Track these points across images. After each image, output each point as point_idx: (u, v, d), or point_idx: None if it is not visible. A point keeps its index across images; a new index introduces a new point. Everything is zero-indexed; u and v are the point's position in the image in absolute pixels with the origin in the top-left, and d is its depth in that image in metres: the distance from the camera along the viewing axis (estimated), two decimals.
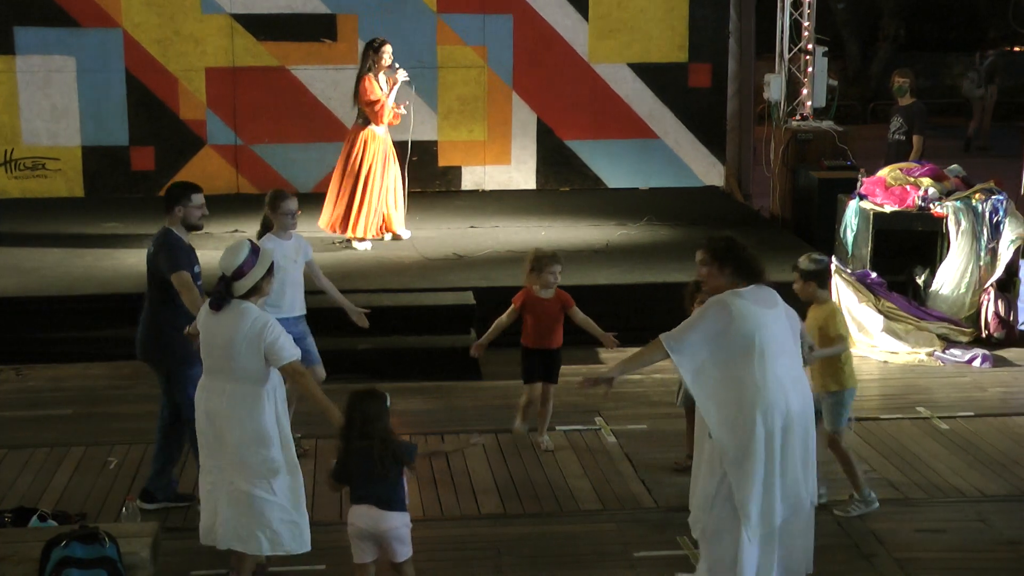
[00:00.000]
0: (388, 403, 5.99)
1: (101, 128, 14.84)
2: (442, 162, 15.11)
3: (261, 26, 14.88)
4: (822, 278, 7.43)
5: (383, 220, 12.17)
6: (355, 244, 12.03)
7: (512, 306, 8.26)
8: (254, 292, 6.25)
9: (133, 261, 11.71)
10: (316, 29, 14.98)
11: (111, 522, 6.78)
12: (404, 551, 6.04)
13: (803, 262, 7.37)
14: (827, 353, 7.14)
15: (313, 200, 14.09)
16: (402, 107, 11.97)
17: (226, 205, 14.26)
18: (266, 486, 6.18)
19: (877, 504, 7.32)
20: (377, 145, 11.95)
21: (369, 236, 12.02)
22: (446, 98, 15.12)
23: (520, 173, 15.49)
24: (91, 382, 9.83)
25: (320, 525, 7.12)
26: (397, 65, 11.98)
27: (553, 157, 15.48)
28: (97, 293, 10.62)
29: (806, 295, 7.39)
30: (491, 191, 15.29)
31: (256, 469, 6.17)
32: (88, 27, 14.64)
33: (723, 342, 5.82)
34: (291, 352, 6.17)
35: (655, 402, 9.00)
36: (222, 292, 6.19)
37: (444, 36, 15.04)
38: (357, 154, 11.92)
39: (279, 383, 6.28)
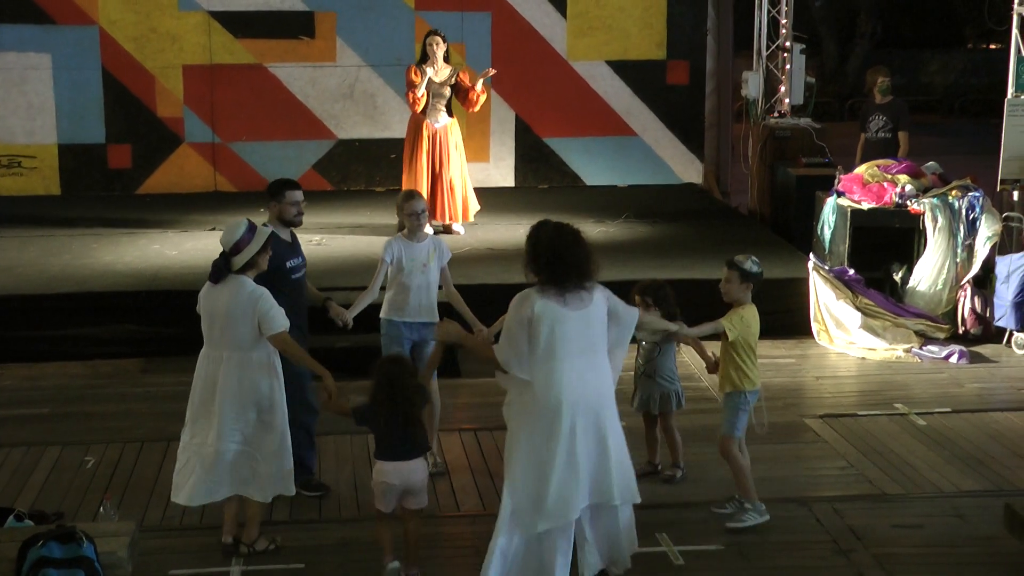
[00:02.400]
0: (410, 365, 6.61)
1: (78, 126, 14.78)
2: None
3: (239, 23, 14.84)
4: (758, 281, 7.15)
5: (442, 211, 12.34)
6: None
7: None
8: (250, 267, 6.63)
9: (109, 259, 11.68)
10: (294, 26, 14.95)
11: (88, 522, 6.75)
12: (422, 499, 6.48)
13: (746, 262, 7.06)
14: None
15: None
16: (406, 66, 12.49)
17: (204, 203, 14.27)
18: (245, 443, 6.63)
19: (768, 516, 6.99)
20: (424, 135, 12.16)
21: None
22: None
23: (498, 170, 15.49)
24: (68, 381, 9.79)
25: (298, 523, 7.13)
26: (436, 62, 12.10)
27: (531, 154, 15.49)
28: (74, 291, 10.56)
29: (734, 296, 7.08)
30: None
31: (242, 430, 6.61)
32: (64, 24, 14.58)
33: (523, 336, 5.97)
34: (280, 323, 6.55)
35: None
36: (221, 266, 6.61)
37: (422, 33, 14.93)
38: (407, 144, 12.37)
39: (274, 351, 6.66)
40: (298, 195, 7.51)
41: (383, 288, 7.85)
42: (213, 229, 12.96)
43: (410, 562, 6.47)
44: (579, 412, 5.98)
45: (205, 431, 6.65)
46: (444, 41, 12.13)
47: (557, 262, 5.99)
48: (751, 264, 7.11)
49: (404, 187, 12.07)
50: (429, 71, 11.99)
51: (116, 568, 5.80)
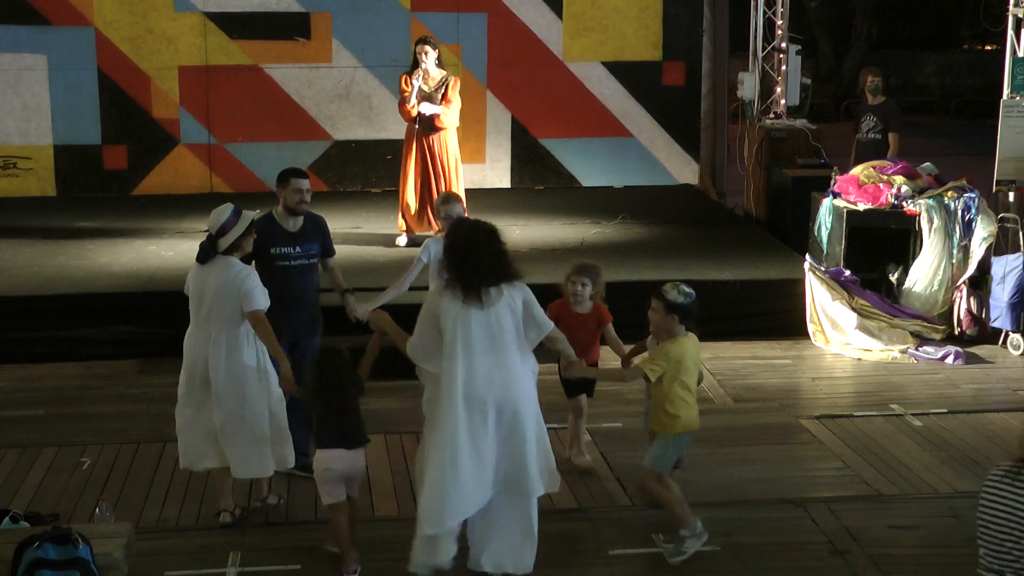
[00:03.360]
0: (347, 355, 6.61)
1: (73, 127, 14.76)
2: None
3: (234, 24, 14.83)
4: (685, 313, 6.62)
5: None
6: (396, 240, 12.21)
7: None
8: (235, 248, 7.03)
9: (105, 261, 11.67)
10: (290, 27, 14.94)
11: (84, 523, 6.75)
12: (356, 488, 6.73)
13: (671, 292, 6.60)
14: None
15: None
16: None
17: (200, 204, 14.20)
18: (238, 415, 6.94)
19: (706, 535, 6.76)
20: (415, 144, 11.93)
21: (402, 231, 12.18)
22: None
23: (494, 171, 15.49)
24: (64, 382, 9.78)
25: (294, 524, 7.13)
26: (425, 68, 11.74)
27: (527, 155, 15.49)
28: (70, 293, 10.55)
29: (661, 327, 6.66)
30: (465, 189, 15.23)
31: (232, 403, 6.95)
32: (60, 25, 14.56)
33: (430, 331, 6.17)
34: (259, 302, 6.94)
35: (630, 400, 9.00)
36: (207, 247, 7.03)
37: (418, 34, 14.96)
38: (404, 153, 12.11)
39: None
40: (302, 183, 7.72)
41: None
42: (207, 231, 12.94)
43: (346, 553, 6.63)
44: (484, 409, 6.11)
45: (198, 404, 7.06)
46: (435, 48, 11.86)
47: (466, 262, 6.11)
48: (677, 294, 6.59)
49: (400, 194, 12.09)
50: (417, 80, 11.72)
51: (112, 569, 5.81)
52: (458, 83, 11.96)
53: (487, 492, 6.22)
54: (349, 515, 6.63)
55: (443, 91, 11.80)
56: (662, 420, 6.67)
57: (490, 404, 6.13)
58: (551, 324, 6.40)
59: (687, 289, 6.62)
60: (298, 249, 7.72)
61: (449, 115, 11.83)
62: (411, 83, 11.72)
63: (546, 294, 8.34)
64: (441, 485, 6.12)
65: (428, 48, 11.78)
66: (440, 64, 11.91)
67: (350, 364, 6.60)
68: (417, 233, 12.02)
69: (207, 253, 7.04)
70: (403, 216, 12.15)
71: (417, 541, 6.29)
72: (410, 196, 11.97)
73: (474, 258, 6.12)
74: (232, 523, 7.07)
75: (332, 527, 6.66)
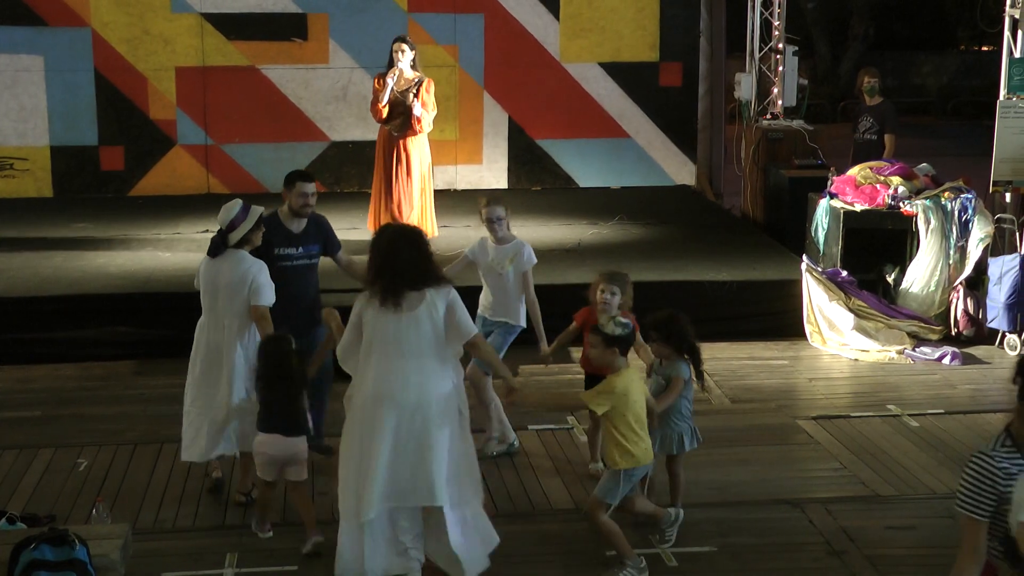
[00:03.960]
0: (288, 343, 6.87)
1: (70, 128, 14.76)
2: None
3: (231, 25, 14.83)
4: (625, 344, 6.51)
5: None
6: None
7: (573, 323, 7.74)
8: (245, 242, 7.30)
9: (102, 261, 11.66)
10: (287, 28, 14.94)
11: (81, 524, 6.74)
12: (301, 472, 6.91)
13: (608, 325, 6.49)
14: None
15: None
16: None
17: (196, 205, 14.23)
18: (249, 399, 7.16)
19: (647, 572, 6.55)
20: (385, 148, 11.80)
21: None
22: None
23: (492, 172, 15.49)
24: (60, 383, 9.77)
25: (293, 526, 7.12)
26: (399, 68, 11.60)
27: (525, 156, 15.49)
28: (66, 294, 10.55)
29: (603, 361, 6.52)
30: (463, 190, 15.28)
31: (248, 388, 7.17)
32: (56, 26, 14.56)
33: (352, 333, 6.31)
34: (265, 298, 7.19)
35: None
36: (218, 242, 7.30)
37: (415, 35, 14.95)
38: (375, 156, 11.97)
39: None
40: (307, 187, 7.87)
41: None
42: (206, 231, 12.93)
43: (308, 527, 6.85)
44: (395, 413, 6.12)
45: (211, 394, 7.26)
46: (412, 48, 11.67)
47: (386, 266, 6.18)
48: (614, 327, 6.47)
49: (372, 198, 11.95)
50: (390, 80, 11.56)
51: (109, 571, 5.79)
52: (432, 86, 11.77)
53: (401, 496, 6.19)
54: (292, 500, 7.03)
55: (415, 92, 11.60)
56: (614, 455, 6.49)
57: (401, 408, 6.13)
58: (474, 331, 6.31)
59: (623, 320, 6.55)
60: (300, 250, 7.85)
61: (426, 118, 11.69)
62: (384, 83, 11.58)
63: (547, 294, 8.40)
64: (351, 484, 6.22)
65: (405, 47, 11.62)
66: (415, 66, 11.71)
67: (294, 354, 6.85)
68: None
69: (218, 247, 7.31)
70: (375, 220, 11.97)
71: (340, 546, 6.29)
72: (378, 202, 11.85)
73: (393, 262, 6.18)
74: (245, 502, 7.37)
75: (259, 498, 7.13)
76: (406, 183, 11.82)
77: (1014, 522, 4.08)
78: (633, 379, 6.47)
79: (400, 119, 11.71)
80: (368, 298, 6.23)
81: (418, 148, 11.85)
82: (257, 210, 7.39)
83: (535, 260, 8.06)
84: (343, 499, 6.27)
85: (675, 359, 6.99)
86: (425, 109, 11.66)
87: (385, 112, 11.63)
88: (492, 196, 8.22)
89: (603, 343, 6.44)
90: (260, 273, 7.23)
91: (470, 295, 7.95)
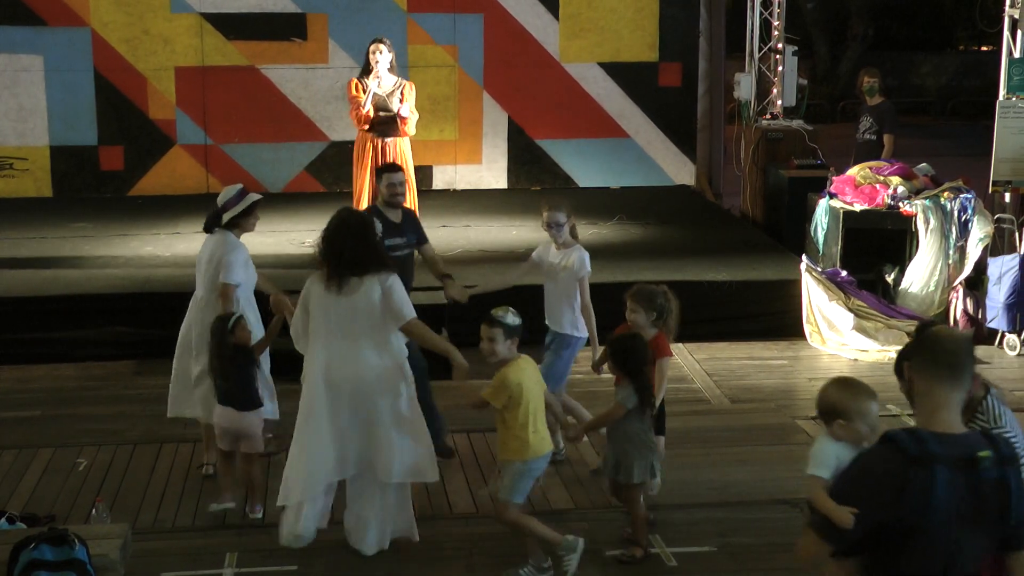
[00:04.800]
0: (231, 322, 7.19)
1: (69, 128, 14.75)
2: (413, 161, 15.03)
3: (231, 25, 14.82)
4: (521, 334, 6.47)
5: None
6: None
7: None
8: (234, 225, 7.61)
9: (102, 261, 11.66)
10: (286, 28, 14.94)
11: (80, 524, 6.74)
12: (255, 446, 7.24)
13: (507, 316, 6.41)
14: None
15: (283, 200, 14.08)
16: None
17: (196, 205, 14.20)
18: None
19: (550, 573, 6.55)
20: (368, 152, 11.36)
21: None
22: (417, 98, 15.07)
23: (491, 172, 15.49)
24: (60, 383, 9.77)
25: None
26: (383, 76, 11.28)
27: (524, 156, 15.49)
28: (66, 294, 10.55)
29: (502, 353, 6.41)
30: (462, 190, 15.29)
31: (203, 357, 7.54)
32: (56, 26, 14.55)
33: (301, 315, 6.66)
34: (232, 276, 7.44)
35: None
36: (211, 219, 7.67)
37: (414, 35, 15.02)
38: (355, 161, 11.57)
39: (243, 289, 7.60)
40: (395, 177, 8.08)
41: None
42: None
43: (252, 500, 7.29)
44: (339, 391, 6.47)
45: (185, 358, 7.78)
46: (390, 50, 11.34)
47: (330, 250, 6.51)
48: (513, 316, 6.41)
49: (355, 206, 11.29)
50: (372, 85, 11.16)
51: (108, 571, 5.79)
52: (414, 89, 11.47)
53: (346, 471, 6.61)
54: (241, 470, 7.29)
55: (400, 95, 11.28)
56: (511, 447, 6.43)
57: (346, 387, 6.48)
58: (409, 315, 6.52)
59: (513, 311, 6.47)
60: (403, 239, 8.06)
61: (412, 119, 11.39)
62: (364, 87, 11.20)
63: (539, 294, 8.37)
64: (298, 462, 6.55)
65: (383, 48, 11.26)
66: (392, 68, 11.38)
67: (231, 333, 7.17)
68: None
69: (209, 224, 7.71)
70: None
71: (282, 515, 6.70)
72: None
73: (338, 247, 6.49)
74: (212, 475, 7.71)
75: (218, 468, 7.53)
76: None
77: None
78: (526, 369, 6.44)
79: (385, 123, 11.30)
80: (314, 281, 6.57)
81: (405, 151, 11.52)
82: (253, 197, 7.63)
83: (589, 268, 7.80)
84: (288, 474, 6.58)
85: (626, 383, 6.66)
86: (411, 111, 11.37)
87: (368, 119, 11.23)
88: (554, 201, 7.97)
89: (504, 333, 6.36)
90: (232, 252, 7.50)
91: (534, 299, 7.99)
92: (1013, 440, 4.58)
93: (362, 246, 6.51)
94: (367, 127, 11.31)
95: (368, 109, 11.20)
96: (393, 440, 6.52)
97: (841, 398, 4.92)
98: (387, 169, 8.24)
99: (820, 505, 4.09)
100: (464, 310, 8.37)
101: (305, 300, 6.60)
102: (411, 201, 11.46)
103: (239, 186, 7.76)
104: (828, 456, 4.94)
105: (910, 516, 3.78)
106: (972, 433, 3.96)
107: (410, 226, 8.27)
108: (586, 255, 7.84)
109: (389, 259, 6.74)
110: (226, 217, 7.59)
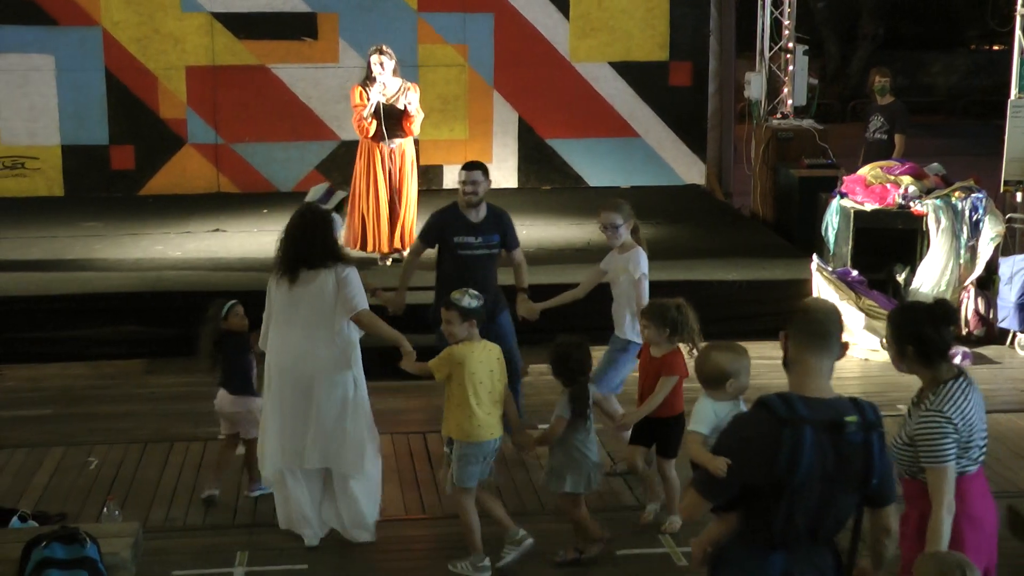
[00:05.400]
0: (226, 308, 7.39)
1: (80, 127, 14.78)
2: (423, 161, 14.96)
3: (241, 25, 14.84)
4: (480, 317, 6.54)
5: (400, 235, 11.38)
6: (377, 261, 11.43)
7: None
8: None
9: (112, 260, 11.68)
10: (297, 28, 14.96)
11: (91, 522, 6.76)
12: (248, 431, 7.36)
13: (464, 299, 6.48)
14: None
15: (293, 200, 14.09)
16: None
17: (206, 204, 14.28)
18: None
19: (529, 540, 6.61)
20: (377, 156, 11.18)
21: (383, 250, 11.37)
22: (427, 97, 14.97)
23: (501, 172, 15.47)
24: (71, 382, 9.79)
25: None
26: (387, 82, 11.07)
27: (534, 156, 15.49)
28: (77, 293, 10.57)
29: (461, 335, 6.49)
30: None
31: None
32: (67, 25, 14.59)
33: (267, 307, 6.91)
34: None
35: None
36: None
37: (424, 35, 15.03)
38: (359, 166, 11.31)
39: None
40: (468, 175, 8.06)
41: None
42: (216, 230, 12.97)
43: (251, 480, 7.51)
44: (288, 379, 6.72)
45: None
46: (392, 58, 11.11)
47: (287, 243, 6.74)
48: (470, 299, 6.49)
49: (357, 216, 11.20)
50: (375, 94, 10.97)
51: (119, 569, 5.80)
52: (418, 91, 11.29)
53: (306, 456, 6.75)
54: (249, 451, 7.38)
55: (405, 98, 11.11)
56: (448, 423, 6.54)
57: (298, 376, 6.71)
58: (360, 306, 6.67)
59: (475, 292, 6.57)
60: (479, 239, 8.03)
61: (418, 118, 11.26)
62: (366, 95, 11.02)
63: (551, 293, 8.37)
64: (260, 446, 6.92)
65: (384, 59, 11.03)
66: (396, 73, 11.18)
67: (224, 319, 7.37)
68: (385, 252, 11.39)
69: None
70: (371, 236, 11.32)
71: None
72: (382, 219, 11.25)
73: (293, 241, 6.71)
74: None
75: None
76: (408, 194, 11.34)
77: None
78: (474, 352, 6.47)
79: (391, 120, 11.12)
80: (274, 276, 6.81)
81: (411, 154, 11.41)
82: (340, 194, 7.94)
83: (645, 270, 7.65)
84: (260, 454, 6.94)
85: (563, 393, 6.59)
86: (417, 110, 11.21)
87: (372, 127, 11.05)
88: (609, 202, 7.90)
89: (459, 317, 6.46)
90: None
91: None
92: (943, 430, 4.75)
93: (317, 241, 6.69)
94: (370, 136, 11.13)
95: (370, 120, 11.01)
96: (334, 430, 6.73)
97: (729, 360, 5.50)
98: (465, 166, 8.19)
99: (697, 457, 4.53)
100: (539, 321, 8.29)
101: (268, 292, 6.86)
102: (407, 204, 11.36)
103: (326, 185, 7.98)
104: (708, 414, 5.46)
105: (781, 474, 4.04)
106: (841, 399, 4.21)
107: (492, 226, 8.13)
108: (642, 256, 7.69)
109: (343, 253, 6.86)
110: None
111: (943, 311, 4.98)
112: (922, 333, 4.86)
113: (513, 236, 8.32)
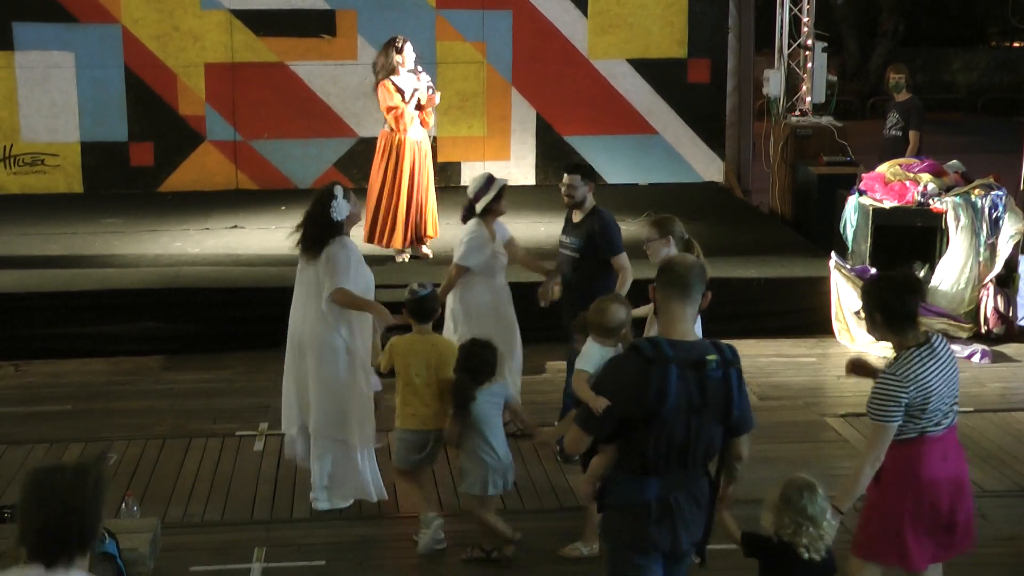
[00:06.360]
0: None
1: (100, 124, 14.83)
2: (441, 158, 15.06)
3: (260, 22, 14.87)
4: (417, 309, 6.87)
5: (414, 229, 11.39)
6: (395, 256, 11.44)
7: None
8: (489, 211, 8.20)
9: (131, 257, 11.72)
10: (315, 25, 14.98)
11: (110, 518, 6.77)
12: None
13: (408, 289, 6.93)
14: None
15: (312, 196, 14.15)
16: (436, 96, 11.17)
17: (225, 201, 14.31)
18: None
19: (439, 536, 6.77)
20: (405, 151, 11.18)
21: (402, 246, 11.36)
22: (445, 94, 14.98)
23: (519, 169, 15.49)
24: (90, 378, 9.83)
25: (319, 520, 7.14)
26: (420, 68, 11.29)
27: (552, 153, 15.48)
28: (96, 289, 10.61)
29: (415, 326, 6.91)
30: None
31: None
32: (87, 23, 14.64)
33: None
34: (462, 259, 8.12)
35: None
36: (467, 210, 8.26)
37: (443, 32, 15.04)
38: (382, 162, 11.26)
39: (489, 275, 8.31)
40: (566, 179, 8.19)
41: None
42: (234, 227, 13.00)
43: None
44: (291, 346, 7.29)
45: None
46: (413, 49, 11.19)
47: (303, 226, 7.24)
48: (415, 288, 6.87)
49: (379, 208, 11.23)
50: (418, 88, 11.02)
51: (138, 564, 5.82)
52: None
53: (302, 418, 7.30)
54: None
55: (413, 95, 11.09)
56: (397, 412, 6.88)
57: (292, 345, 7.29)
58: (337, 284, 6.95)
59: (423, 282, 7.00)
60: (570, 240, 8.13)
61: (431, 113, 11.33)
62: (402, 91, 11.01)
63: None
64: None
65: (410, 45, 11.10)
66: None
67: None
68: (407, 248, 11.42)
69: (466, 215, 8.27)
70: (400, 229, 11.30)
71: None
72: (400, 209, 11.25)
73: (307, 225, 7.21)
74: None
75: None
76: (429, 184, 11.44)
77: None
78: (412, 345, 6.81)
79: (416, 121, 11.21)
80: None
81: (425, 147, 11.42)
82: (500, 182, 8.21)
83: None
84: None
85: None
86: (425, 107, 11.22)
87: (413, 120, 11.11)
88: (651, 218, 7.82)
89: (409, 312, 6.91)
90: (466, 236, 8.13)
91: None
92: (891, 393, 5.05)
93: (320, 220, 7.12)
94: (409, 127, 11.10)
95: (413, 111, 11.03)
96: (318, 397, 7.15)
97: (625, 313, 6.18)
98: (564, 168, 8.33)
99: (581, 394, 4.94)
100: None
101: None
102: (419, 200, 11.37)
103: (487, 174, 8.31)
104: (595, 355, 5.95)
105: (651, 406, 4.53)
106: (704, 341, 4.75)
107: (581, 231, 8.02)
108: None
109: (343, 232, 7.16)
110: (479, 206, 8.13)
111: (908, 281, 5.37)
112: (888, 302, 5.21)
113: (605, 244, 7.99)
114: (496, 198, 8.16)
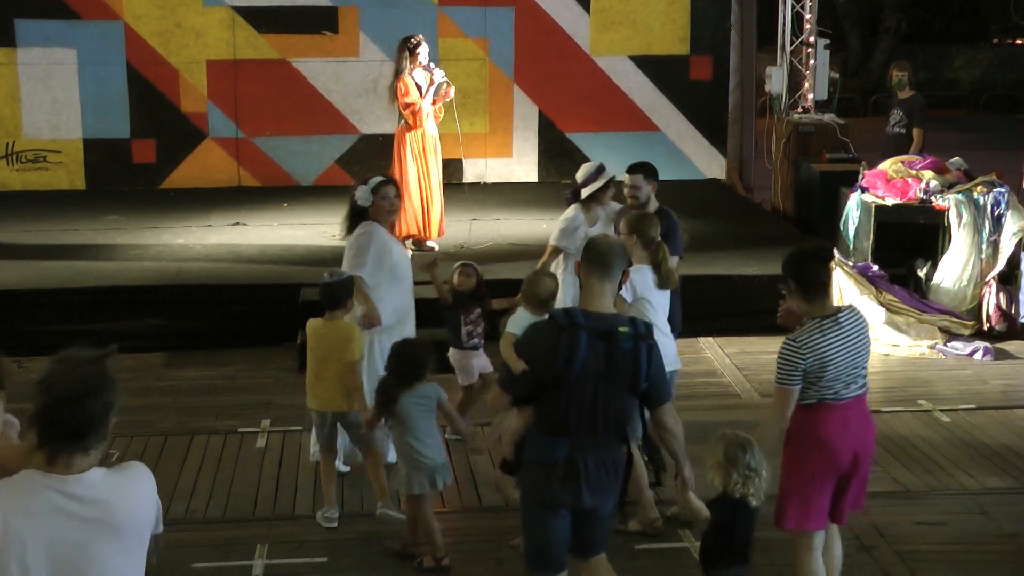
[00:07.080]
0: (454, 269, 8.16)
1: (102, 121, 14.83)
2: (444, 155, 15.00)
3: (262, 18, 14.87)
4: (324, 297, 7.10)
5: (418, 224, 11.51)
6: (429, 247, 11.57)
7: None
8: (593, 199, 8.57)
9: (133, 254, 11.72)
10: (317, 22, 14.97)
11: None
12: (460, 379, 8.27)
13: (327, 275, 7.18)
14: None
15: (313, 193, 14.16)
16: (451, 90, 11.39)
17: (227, 198, 14.30)
18: None
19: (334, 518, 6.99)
20: (419, 146, 11.40)
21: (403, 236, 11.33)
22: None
23: (522, 166, 15.49)
24: None
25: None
26: (434, 65, 11.54)
27: (555, 150, 15.48)
28: (98, 286, 10.61)
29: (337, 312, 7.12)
30: (493, 184, 15.29)
31: None
32: (89, 19, 14.64)
33: None
34: (558, 240, 8.49)
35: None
36: (572, 195, 8.65)
37: (445, 29, 15.03)
38: (399, 157, 11.46)
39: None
40: (627, 178, 8.33)
41: None
42: (236, 224, 13.00)
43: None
44: None
45: None
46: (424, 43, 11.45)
47: (350, 218, 7.67)
48: (326, 277, 7.15)
49: (413, 203, 11.35)
50: (439, 79, 11.29)
51: None
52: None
53: None
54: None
55: (428, 90, 11.32)
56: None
57: None
58: (349, 271, 7.31)
59: (336, 270, 7.30)
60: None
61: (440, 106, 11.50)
62: (420, 87, 11.25)
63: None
64: None
65: (424, 42, 11.40)
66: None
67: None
68: (417, 239, 11.47)
69: (571, 199, 8.61)
70: (416, 223, 11.47)
71: None
72: (414, 203, 11.39)
73: (349, 218, 7.69)
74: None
75: None
76: (442, 174, 11.71)
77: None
78: (318, 329, 7.10)
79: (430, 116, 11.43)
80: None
81: (437, 141, 11.63)
82: (609, 173, 8.57)
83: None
84: None
85: None
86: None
87: (428, 116, 11.32)
88: (630, 214, 7.74)
89: (325, 304, 7.18)
90: (564, 219, 8.53)
91: None
92: (790, 358, 5.39)
93: (351, 204, 7.59)
94: (426, 120, 11.36)
95: (427, 107, 11.29)
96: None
97: (555, 286, 6.97)
98: (627, 169, 8.39)
99: (506, 356, 5.34)
100: None
101: None
102: (426, 195, 11.52)
103: (598, 163, 8.70)
104: (525, 322, 6.29)
105: (560, 370, 4.87)
106: (619, 315, 5.08)
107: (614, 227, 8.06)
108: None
109: (369, 218, 7.54)
110: (585, 192, 8.45)
111: (819, 252, 5.71)
112: (799, 270, 5.53)
113: (671, 246, 7.81)
114: (603, 188, 8.51)
